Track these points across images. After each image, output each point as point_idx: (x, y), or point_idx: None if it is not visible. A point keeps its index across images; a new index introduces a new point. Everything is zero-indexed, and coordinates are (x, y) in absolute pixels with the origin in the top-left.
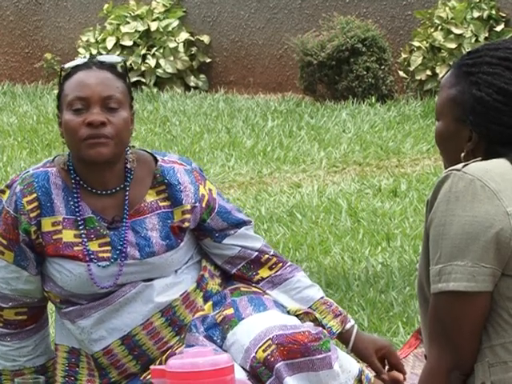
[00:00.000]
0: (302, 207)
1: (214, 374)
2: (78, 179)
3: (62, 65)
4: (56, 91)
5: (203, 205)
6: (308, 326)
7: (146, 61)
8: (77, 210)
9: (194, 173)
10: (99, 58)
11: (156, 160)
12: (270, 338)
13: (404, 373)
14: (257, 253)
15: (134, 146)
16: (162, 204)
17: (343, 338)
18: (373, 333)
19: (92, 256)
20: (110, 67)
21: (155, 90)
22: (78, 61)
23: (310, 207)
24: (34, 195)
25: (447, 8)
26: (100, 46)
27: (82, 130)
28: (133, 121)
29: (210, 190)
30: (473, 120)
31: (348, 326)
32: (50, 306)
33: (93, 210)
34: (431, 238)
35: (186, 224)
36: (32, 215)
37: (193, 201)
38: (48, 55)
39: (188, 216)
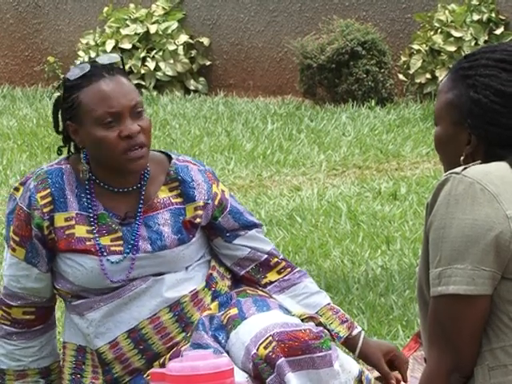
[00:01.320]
0: (302, 210)
1: (214, 377)
2: (93, 178)
3: (65, 75)
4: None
5: (215, 202)
6: (309, 325)
7: (146, 64)
8: (89, 206)
9: (207, 173)
10: (100, 61)
11: (170, 159)
12: (270, 335)
13: (405, 376)
14: (266, 255)
15: None
16: (174, 200)
17: (350, 344)
18: (372, 336)
19: (104, 250)
20: (117, 69)
21: (155, 93)
22: (82, 69)
23: (309, 210)
24: (48, 191)
25: (447, 11)
26: (100, 48)
27: (120, 144)
28: None
29: (223, 190)
30: (471, 123)
31: (355, 332)
32: (59, 308)
33: (105, 207)
34: (431, 241)
35: (198, 220)
36: (45, 210)
37: (205, 197)
38: (50, 58)
39: (200, 212)
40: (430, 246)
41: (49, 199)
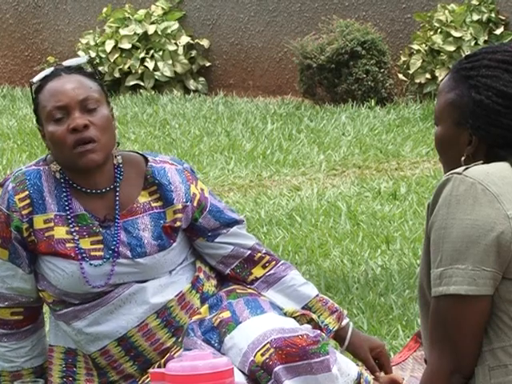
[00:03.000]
0: (302, 210)
1: (214, 377)
2: (68, 179)
3: (31, 79)
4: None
5: (194, 204)
6: (306, 329)
7: (145, 64)
8: (68, 207)
9: (185, 172)
10: (65, 63)
11: (147, 161)
12: (268, 342)
13: (388, 373)
14: (249, 251)
15: (118, 144)
16: (154, 205)
17: (338, 335)
18: (372, 336)
19: (84, 254)
20: (78, 70)
21: (154, 92)
22: (46, 71)
23: (309, 210)
24: (26, 193)
25: (446, 11)
26: (99, 48)
27: (69, 137)
28: (113, 116)
29: (202, 189)
30: (472, 123)
31: (344, 322)
32: (46, 309)
33: (85, 208)
34: (432, 242)
35: (178, 223)
36: (24, 212)
37: (184, 200)
38: (50, 58)
39: (179, 215)
40: (432, 247)
41: (27, 201)
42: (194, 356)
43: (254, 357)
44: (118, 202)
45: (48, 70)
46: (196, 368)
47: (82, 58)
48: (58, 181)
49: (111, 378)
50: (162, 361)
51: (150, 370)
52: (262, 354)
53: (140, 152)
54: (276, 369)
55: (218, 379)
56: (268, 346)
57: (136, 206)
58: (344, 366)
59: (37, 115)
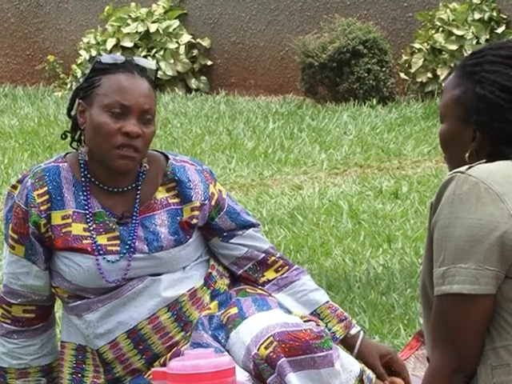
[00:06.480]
0: (303, 209)
1: (216, 376)
2: (89, 176)
3: (99, 56)
4: (57, 88)
5: (212, 203)
6: (310, 325)
7: None
8: (86, 204)
9: (204, 173)
10: (138, 62)
11: (167, 159)
12: (271, 335)
13: (406, 379)
14: (264, 254)
15: None
16: (171, 201)
17: (347, 343)
18: (374, 335)
19: (100, 250)
20: (148, 76)
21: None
22: (117, 58)
23: (311, 209)
24: (45, 189)
25: (448, 10)
26: (101, 47)
27: (118, 137)
28: None
29: (220, 190)
30: (476, 119)
31: (353, 331)
32: (58, 308)
33: (102, 206)
34: (435, 241)
35: (195, 221)
36: (42, 208)
37: (202, 198)
38: (50, 57)
39: (197, 213)
40: (434, 246)
41: (46, 197)
42: (196, 355)
43: (258, 350)
44: (137, 202)
45: (119, 58)
46: (198, 367)
47: (152, 64)
48: (77, 178)
49: (117, 373)
50: (168, 355)
51: (153, 369)
52: (266, 348)
53: (161, 150)
54: (279, 362)
55: (220, 378)
56: (271, 339)
57: (154, 203)
58: (346, 362)
59: (85, 91)
